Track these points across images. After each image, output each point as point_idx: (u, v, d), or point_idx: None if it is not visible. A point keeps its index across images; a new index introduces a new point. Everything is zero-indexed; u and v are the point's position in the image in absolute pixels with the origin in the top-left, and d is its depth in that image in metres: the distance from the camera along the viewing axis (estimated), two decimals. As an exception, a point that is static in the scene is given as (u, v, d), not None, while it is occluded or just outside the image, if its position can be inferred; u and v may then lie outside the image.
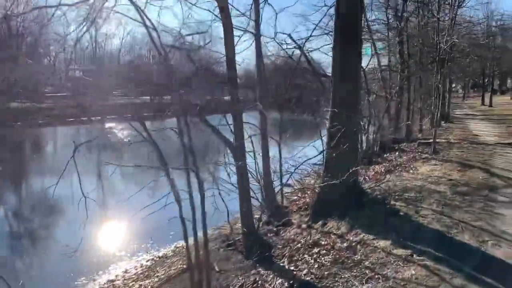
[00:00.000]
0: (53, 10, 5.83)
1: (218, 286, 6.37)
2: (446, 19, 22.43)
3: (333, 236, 6.75)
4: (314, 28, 13.67)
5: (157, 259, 9.26)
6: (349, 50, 7.92)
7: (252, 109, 8.26)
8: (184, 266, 7.28)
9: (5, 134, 22.35)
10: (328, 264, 5.65)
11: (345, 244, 6.21)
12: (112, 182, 13.09)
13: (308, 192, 10.01)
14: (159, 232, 9.68)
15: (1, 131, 22.90)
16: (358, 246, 6.02)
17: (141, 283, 7.77)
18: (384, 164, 12.92)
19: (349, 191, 7.75)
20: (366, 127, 16.29)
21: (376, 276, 4.96)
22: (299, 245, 6.91)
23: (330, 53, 9.22)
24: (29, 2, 33.14)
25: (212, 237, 10.14)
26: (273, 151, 11.91)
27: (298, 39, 12.84)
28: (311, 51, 14.26)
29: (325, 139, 9.51)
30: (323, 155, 8.39)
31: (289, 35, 14.30)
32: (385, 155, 15.22)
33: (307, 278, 5.46)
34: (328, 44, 13.54)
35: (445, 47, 15.21)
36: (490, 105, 43.69)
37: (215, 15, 7.64)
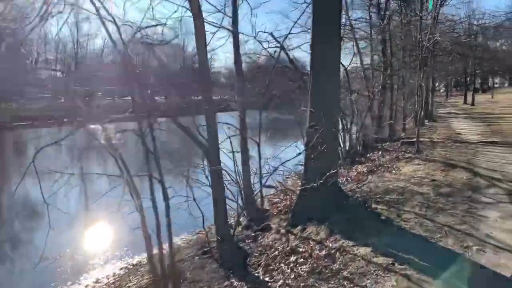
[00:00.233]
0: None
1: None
2: (429, 18, 22.44)
3: (311, 243, 6.40)
4: (293, 25, 13.27)
5: (131, 267, 8.77)
6: (328, 47, 7.57)
7: (225, 110, 7.81)
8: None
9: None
10: (305, 274, 5.29)
11: (323, 252, 5.85)
12: (78, 188, 12.53)
13: (290, 194, 9.68)
14: (135, 238, 9.27)
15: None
16: (337, 254, 5.67)
17: (111, 294, 7.32)
18: (367, 164, 12.65)
19: (329, 194, 7.42)
20: (349, 126, 16.07)
21: (355, 288, 4.62)
22: (276, 252, 6.55)
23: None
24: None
25: (191, 242, 9.78)
26: (255, 151, 11.60)
27: (279, 37, 12.40)
28: (292, 49, 13.86)
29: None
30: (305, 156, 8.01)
31: (271, 34, 13.98)
32: (368, 155, 14.99)
33: (282, 291, 5.11)
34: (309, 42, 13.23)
35: (428, 45, 15.03)
36: (473, 104, 44.24)
37: (186, 8, 7.18)
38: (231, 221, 9.07)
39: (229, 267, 6.57)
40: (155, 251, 5.64)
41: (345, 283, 4.77)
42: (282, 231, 7.59)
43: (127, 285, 7.73)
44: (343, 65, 16.27)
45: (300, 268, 5.52)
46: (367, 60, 21.37)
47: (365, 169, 11.51)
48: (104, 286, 7.95)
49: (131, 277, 8.03)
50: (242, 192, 10.15)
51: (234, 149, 10.50)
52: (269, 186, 12.39)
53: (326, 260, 5.58)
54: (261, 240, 7.81)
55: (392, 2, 22.17)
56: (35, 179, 5.51)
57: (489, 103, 44.28)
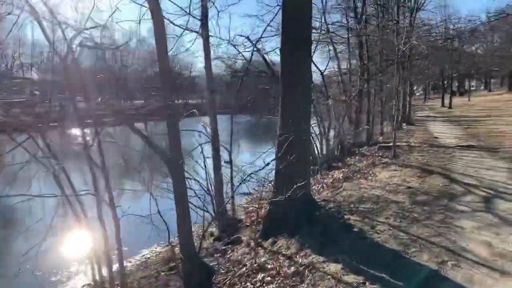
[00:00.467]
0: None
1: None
2: (406, 22, 22.50)
3: (281, 258, 6.02)
4: (265, 29, 12.93)
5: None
6: (298, 50, 7.23)
7: (190, 116, 7.38)
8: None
9: None
10: (271, 295, 4.89)
11: (292, 269, 5.47)
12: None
13: (265, 204, 9.29)
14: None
15: None
16: (306, 272, 5.29)
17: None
18: (343, 170, 12.37)
19: (300, 205, 7.06)
20: (326, 131, 15.83)
21: (322, 312, 4.24)
22: (244, 269, 6.13)
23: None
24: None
25: (160, 255, 9.29)
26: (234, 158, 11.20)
27: (254, 41, 12.05)
28: (266, 53, 13.53)
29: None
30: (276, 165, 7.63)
31: (248, 38, 13.68)
32: (346, 160, 14.76)
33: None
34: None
35: (404, 48, 14.92)
36: (450, 107, 44.77)
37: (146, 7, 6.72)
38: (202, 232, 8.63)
39: (193, 286, 6.14)
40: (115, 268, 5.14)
41: (311, 307, 4.39)
42: (253, 244, 7.18)
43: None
44: (319, 69, 16.08)
45: (267, 288, 5.13)
46: (345, 65, 21.32)
47: (341, 175, 11.22)
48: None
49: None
50: (214, 202, 9.75)
51: (206, 157, 10.15)
52: (249, 194, 12.06)
53: (294, 279, 5.19)
54: (230, 255, 7.42)
55: (369, 7, 22.17)
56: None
57: (466, 106, 44.89)
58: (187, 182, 8.77)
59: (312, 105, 15.28)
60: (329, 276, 5.01)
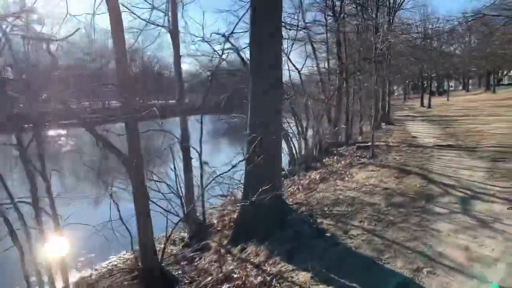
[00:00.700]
0: None
1: None
2: (385, 21, 22.44)
3: (249, 267, 5.63)
4: (237, 23, 12.46)
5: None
6: (268, 43, 6.85)
7: (149, 115, 6.92)
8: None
9: None
10: (234, 310, 4.50)
11: (259, 279, 5.08)
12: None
13: (238, 207, 8.88)
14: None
15: None
16: (274, 281, 4.92)
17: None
18: (320, 170, 12.07)
19: (272, 208, 6.68)
20: (304, 131, 15.54)
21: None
22: (209, 278, 5.73)
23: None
24: None
25: (127, 263, 8.79)
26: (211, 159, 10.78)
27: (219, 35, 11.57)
28: (242, 49, 13.10)
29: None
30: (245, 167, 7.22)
31: (224, 35, 13.23)
32: (324, 160, 14.48)
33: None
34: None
35: (381, 47, 14.72)
36: (429, 107, 45.23)
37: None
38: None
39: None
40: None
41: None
42: (222, 251, 6.77)
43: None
44: (296, 68, 15.79)
45: (230, 301, 4.73)
46: (324, 64, 21.11)
47: (317, 176, 10.91)
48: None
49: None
50: (184, 205, 9.30)
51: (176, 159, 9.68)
52: (223, 195, 11.61)
53: (260, 290, 4.82)
54: (197, 262, 7.00)
55: (348, 5, 22.02)
56: None
57: (445, 106, 45.40)
58: (156, 185, 8.35)
59: (289, 104, 15.00)
60: (297, 287, 4.64)
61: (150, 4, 8.74)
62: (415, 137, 17.84)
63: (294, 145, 15.25)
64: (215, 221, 9.69)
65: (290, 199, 8.63)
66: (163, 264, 7.41)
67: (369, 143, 13.72)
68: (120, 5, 5.86)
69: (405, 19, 28.40)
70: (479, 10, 21.12)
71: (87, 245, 9.60)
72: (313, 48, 18.92)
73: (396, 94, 73.42)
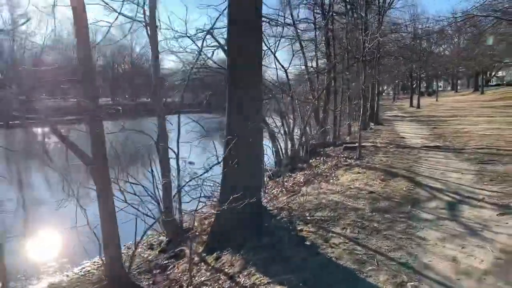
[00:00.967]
0: None
1: None
2: (374, 20, 22.18)
3: (222, 278, 5.24)
4: (218, 17, 11.91)
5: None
6: (246, 36, 6.43)
7: (112, 112, 6.47)
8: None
9: None
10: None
11: (231, 293, 4.69)
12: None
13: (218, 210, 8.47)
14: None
15: None
16: (247, 296, 4.52)
17: None
18: (305, 172, 11.70)
19: (250, 214, 6.27)
20: (290, 131, 15.19)
21: None
22: (180, 290, 5.32)
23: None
24: None
25: (101, 268, 8.34)
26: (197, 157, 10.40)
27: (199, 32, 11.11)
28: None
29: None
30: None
31: (209, 32, 12.77)
32: (310, 160, 14.12)
33: None
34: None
35: (370, 45, 14.40)
36: (418, 107, 45.30)
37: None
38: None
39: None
40: None
41: None
42: (196, 259, 6.37)
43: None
44: (282, 66, 15.41)
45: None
46: (313, 64, 20.77)
47: (302, 178, 10.54)
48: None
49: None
50: (161, 208, 8.86)
51: (153, 159, 9.27)
52: (208, 197, 11.18)
53: (231, 305, 4.42)
54: (170, 271, 6.57)
55: (338, 3, 21.72)
56: None
57: (434, 106, 45.51)
58: (131, 187, 7.91)
59: (276, 103, 14.64)
60: (271, 303, 4.25)
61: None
62: (403, 137, 17.59)
63: (280, 146, 14.89)
64: (196, 225, 9.29)
65: (273, 203, 8.26)
66: (134, 272, 7.00)
67: (357, 144, 13.40)
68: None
69: (394, 18, 28.19)
70: (468, 11, 21.05)
71: (62, 249, 9.22)
72: (301, 46, 18.60)
73: (385, 94, 73.70)
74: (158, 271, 6.73)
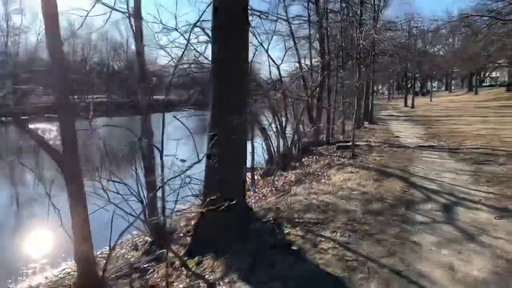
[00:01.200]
0: None
1: None
2: (370, 18, 21.88)
3: (202, 285, 4.86)
4: (205, 9, 11.43)
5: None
6: (232, 28, 6.05)
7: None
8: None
9: None
10: None
11: (210, 302, 4.32)
12: None
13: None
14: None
15: None
16: (227, 306, 4.16)
17: None
18: (297, 171, 11.36)
19: (234, 216, 5.90)
20: (283, 128, 14.82)
21: None
22: (157, 298, 4.94)
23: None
24: None
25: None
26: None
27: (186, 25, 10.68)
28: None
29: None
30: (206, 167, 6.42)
31: (200, 27, 12.36)
32: (303, 159, 13.78)
33: None
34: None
35: (364, 43, 14.07)
36: (413, 107, 45.23)
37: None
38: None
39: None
40: None
41: None
42: (177, 263, 5.98)
43: None
44: (275, 62, 15.03)
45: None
46: (307, 61, 20.41)
47: (293, 178, 10.19)
48: None
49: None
50: (146, 208, 8.47)
51: (138, 157, 8.89)
52: (195, 195, 10.80)
53: (208, 317, 4.05)
54: (149, 276, 6.17)
55: (332, 1, 21.42)
56: None
57: (428, 106, 45.43)
58: (114, 186, 7.52)
59: (267, 100, 14.27)
60: (252, 315, 3.90)
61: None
62: (397, 137, 17.32)
63: (272, 143, 14.52)
64: (183, 226, 8.94)
65: (261, 203, 7.91)
66: (113, 276, 6.61)
67: (350, 143, 13.09)
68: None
69: (390, 17, 27.96)
70: (462, 11, 20.98)
71: (42, 250, 8.86)
72: (295, 43, 18.25)
73: (380, 93, 73.72)
74: (137, 275, 6.33)
